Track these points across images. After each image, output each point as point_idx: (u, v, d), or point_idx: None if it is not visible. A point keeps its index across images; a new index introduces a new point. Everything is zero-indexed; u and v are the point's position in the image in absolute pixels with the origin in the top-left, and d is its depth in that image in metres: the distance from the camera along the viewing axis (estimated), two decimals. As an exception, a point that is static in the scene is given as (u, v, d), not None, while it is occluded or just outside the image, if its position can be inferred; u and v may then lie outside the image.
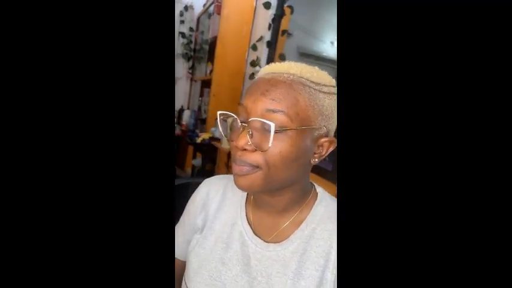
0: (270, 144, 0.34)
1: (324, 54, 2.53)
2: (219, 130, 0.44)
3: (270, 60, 1.86)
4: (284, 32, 1.83)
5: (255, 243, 0.43)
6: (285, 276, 0.40)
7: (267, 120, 0.34)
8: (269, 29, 1.82)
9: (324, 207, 0.44)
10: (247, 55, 2.01)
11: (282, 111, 0.35)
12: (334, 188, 1.01)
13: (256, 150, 0.36)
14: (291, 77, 0.36)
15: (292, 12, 1.80)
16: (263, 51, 1.87)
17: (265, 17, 1.83)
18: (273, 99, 0.35)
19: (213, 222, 0.47)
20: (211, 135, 2.16)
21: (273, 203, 0.43)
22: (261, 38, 1.86)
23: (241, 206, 0.47)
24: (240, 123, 0.37)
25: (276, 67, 0.39)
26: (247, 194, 0.48)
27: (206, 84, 2.63)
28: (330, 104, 0.38)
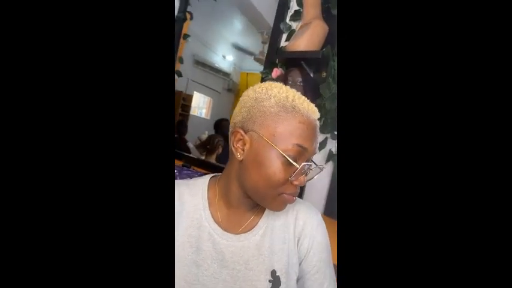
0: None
1: (217, 65, 2.60)
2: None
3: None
4: (186, 36, 1.78)
5: (225, 238, 0.46)
6: (261, 256, 0.46)
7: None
8: (169, 28, 1.71)
9: None
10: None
11: None
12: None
13: None
14: None
15: (191, 18, 1.79)
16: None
17: (165, 15, 1.70)
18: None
19: None
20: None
21: (249, 203, 0.48)
22: (158, 36, 1.70)
23: (204, 208, 0.48)
24: (311, 168, 0.44)
25: (314, 111, 0.45)
26: (209, 195, 0.50)
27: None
28: None
